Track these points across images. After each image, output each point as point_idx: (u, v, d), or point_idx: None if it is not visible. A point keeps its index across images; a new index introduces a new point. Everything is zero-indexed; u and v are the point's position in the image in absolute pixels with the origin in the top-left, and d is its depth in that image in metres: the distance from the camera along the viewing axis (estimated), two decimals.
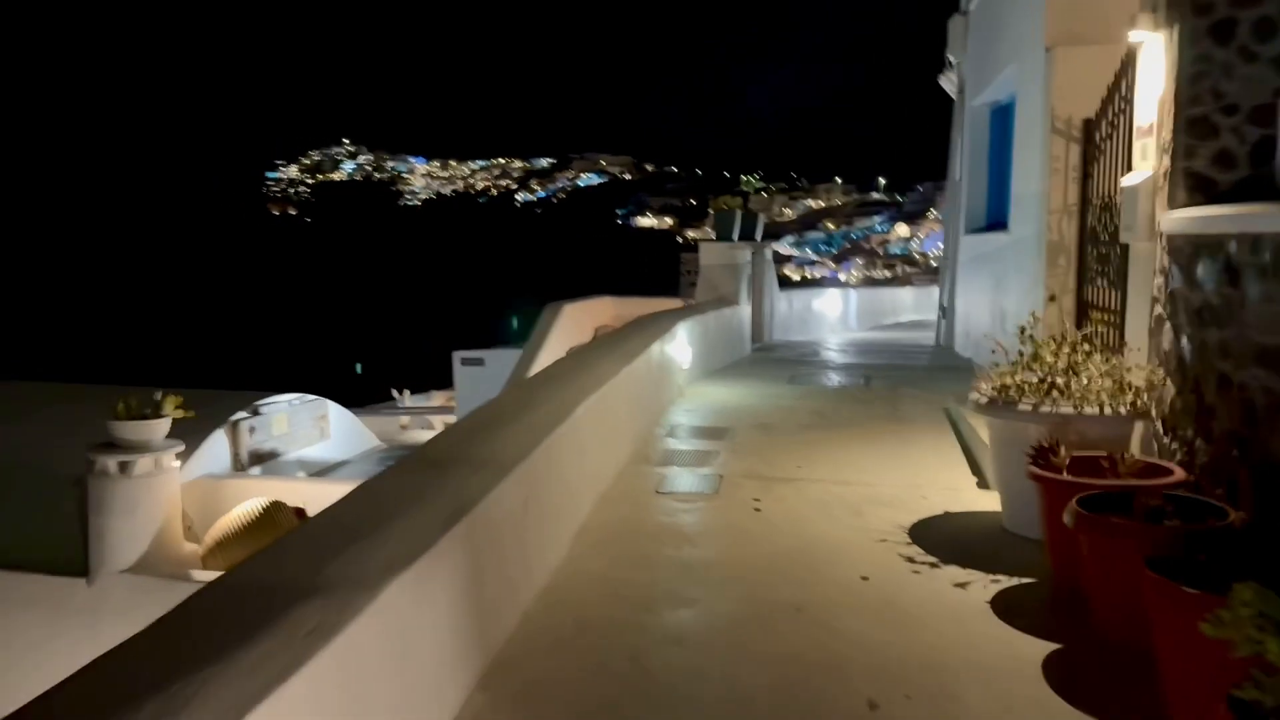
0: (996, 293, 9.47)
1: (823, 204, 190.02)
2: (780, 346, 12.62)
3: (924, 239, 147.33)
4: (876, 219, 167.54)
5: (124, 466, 7.34)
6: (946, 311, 12.57)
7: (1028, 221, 8.21)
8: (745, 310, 11.29)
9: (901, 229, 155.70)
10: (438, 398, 17.35)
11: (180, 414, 7.65)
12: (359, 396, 18.67)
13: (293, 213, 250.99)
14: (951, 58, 12.81)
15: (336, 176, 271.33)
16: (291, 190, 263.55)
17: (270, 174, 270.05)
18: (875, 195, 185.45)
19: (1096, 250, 7.02)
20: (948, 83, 13.87)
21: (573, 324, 12.12)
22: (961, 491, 5.46)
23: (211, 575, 7.69)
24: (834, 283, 28.61)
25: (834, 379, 9.38)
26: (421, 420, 15.72)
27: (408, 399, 17.54)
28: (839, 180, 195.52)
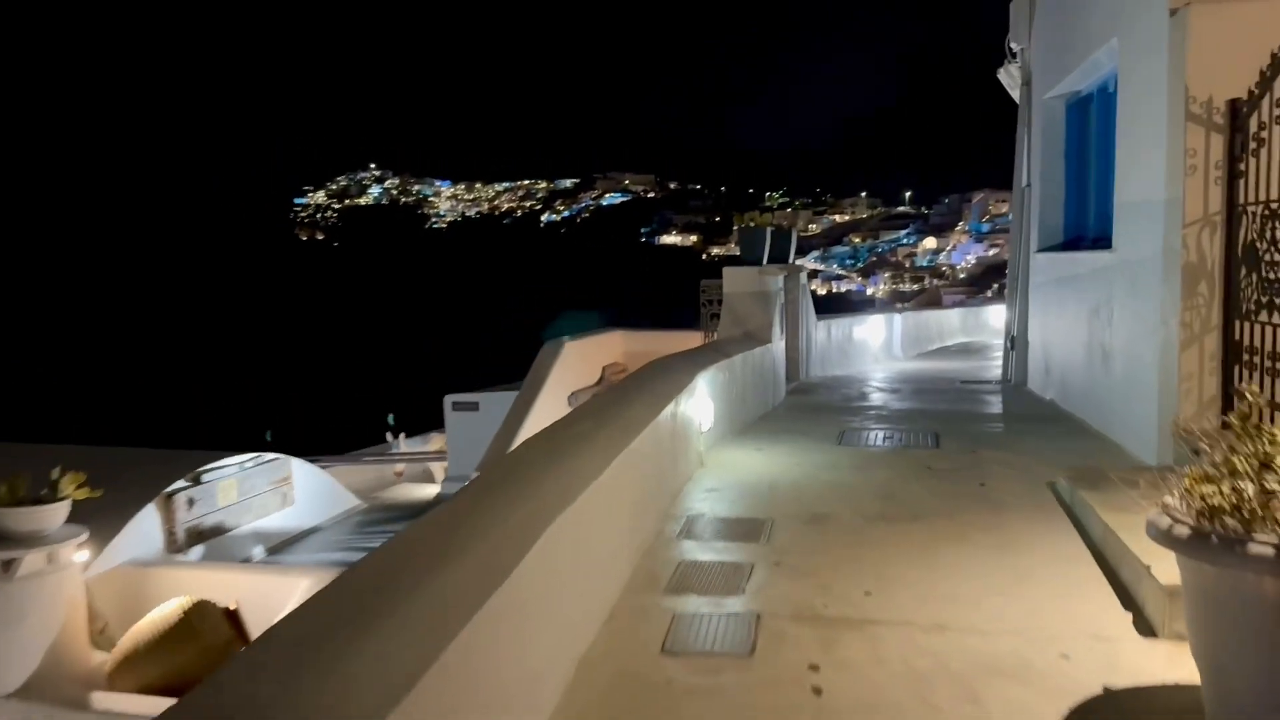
0: (1093, 325, 7.63)
1: (848, 218, 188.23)
2: (820, 386, 10.81)
3: (952, 251, 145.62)
4: (903, 232, 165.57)
5: (6, 566, 5.77)
6: (1016, 342, 10.71)
7: (1144, 237, 6.38)
8: (779, 347, 9.51)
9: (929, 241, 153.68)
10: (436, 441, 15.63)
11: (83, 494, 6.07)
12: (367, 434, 17.05)
13: (320, 237, 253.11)
14: (1014, 45, 11.00)
15: (363, 201, 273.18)
16: (319, 215, 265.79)
17: (298, 200, 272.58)
18: (901, 208, 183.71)
19: (1258, 274, 5.18)
20: (1008, 77, 12.04)
21: (577, 363, 10.41)
22: (1118, 642, 3.64)
23: (118, 698, 6.15)
24: (871, 303, 26.70)
25: (893, 435, 7.54)
26: (420, 469, 14.02)
27: (404, 443, 15.87)
28: (864, 194, 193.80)
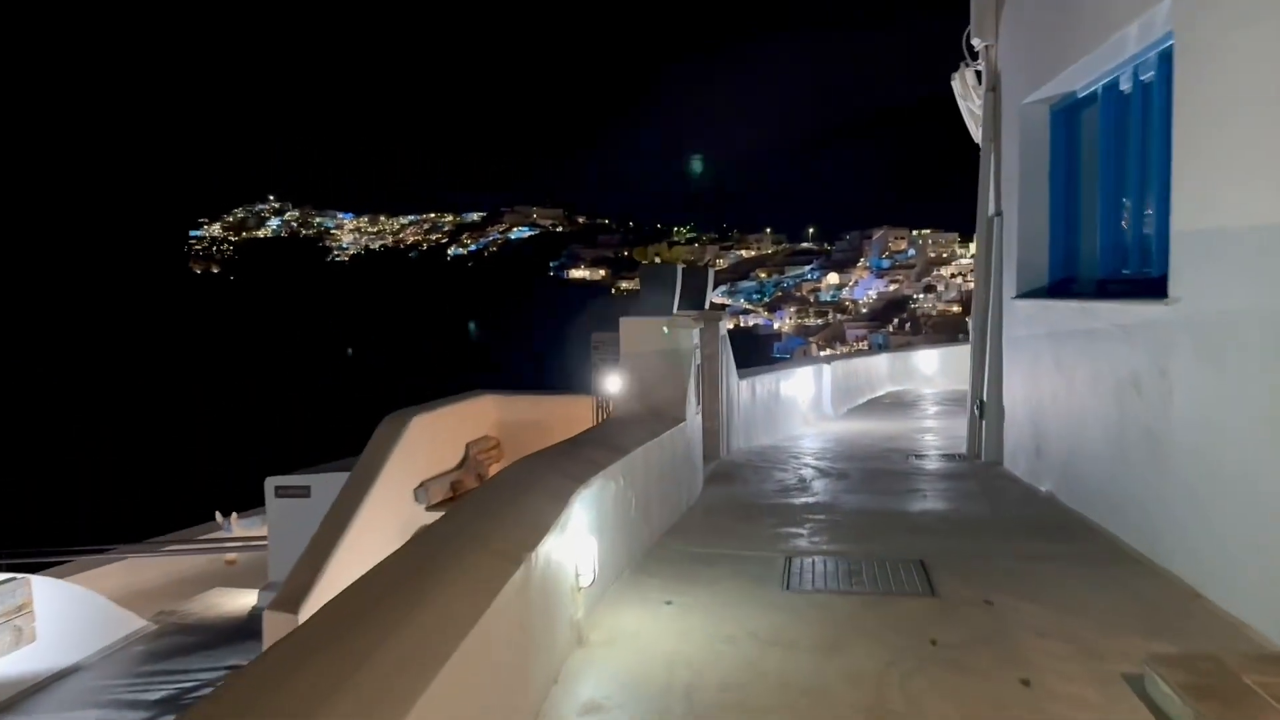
0: (1129, 402, 5.48)
1: (754, 253, 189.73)
2: (746, 468, 8.48)
3: (854, 287, 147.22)
4: (807, 267, 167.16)
5: None
6: (985, 409, 8.59)
7: (1237, 281, 4.25)
8: (694, 423, 7.18)
9: (832, 277, 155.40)
10: None
11: None
12: (207, 507, 14.09)
13: (215, 270, 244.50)
14: (977, 42, 8.99)
15: (261, 233, 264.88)
16: (214, 248, 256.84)
17: (194, 232, 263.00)
18: (805, 244, 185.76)
19: None
20: (962, 84, 10.06)
21: (431, 440, 7.92)
22: None
23: None
24: (778, 338, 24.69)
25: (860, 567, 5.22)
26: (261, 556, 11.21)
27: (236, 524, 13.02)
28: (769, 230, 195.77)
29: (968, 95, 10.16)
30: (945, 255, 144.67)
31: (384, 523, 7.14)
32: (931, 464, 8.64)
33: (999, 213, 8.58)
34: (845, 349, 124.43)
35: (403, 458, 7.38)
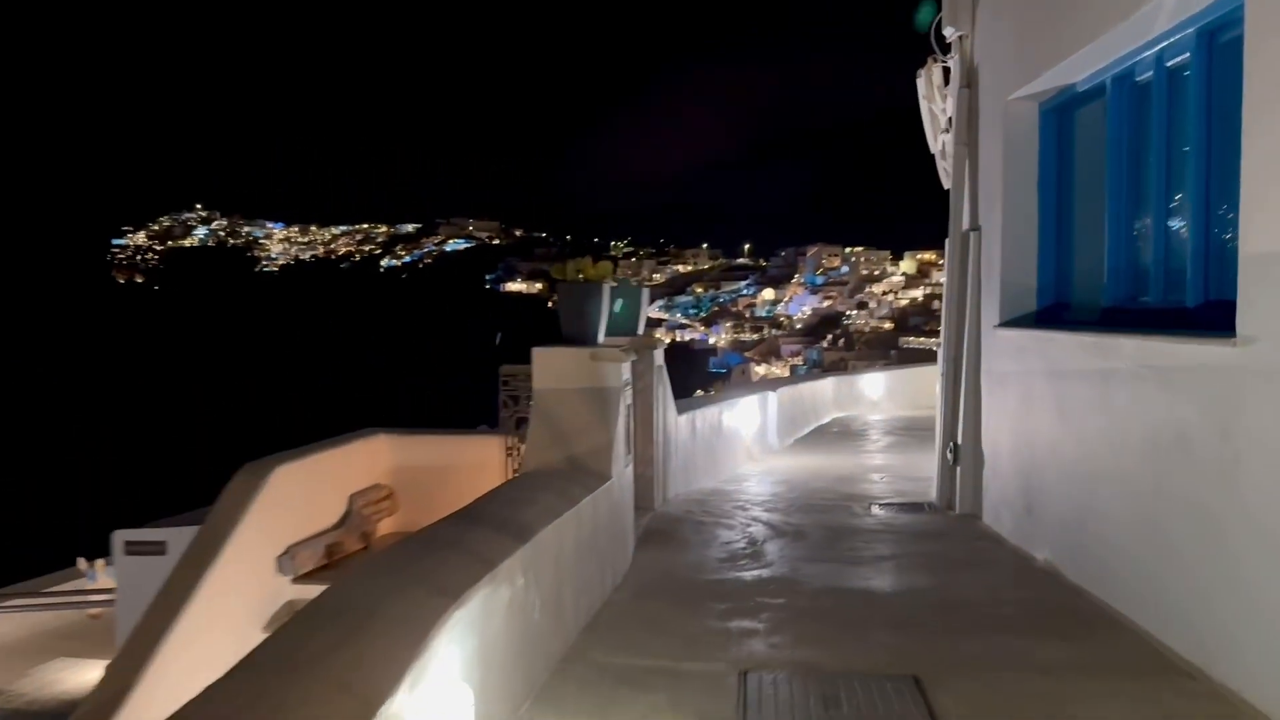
0: (1177, 467, 4.33)
1: (691, 268, 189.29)
2: (686, 525, 7.19)
3: (789, 302, 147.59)
4: (743, 283, 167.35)
5: None
6: (960, 454, 7.45)
7: None
8: (625, 478, 5.88)
9: (767, 293, 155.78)
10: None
11: None
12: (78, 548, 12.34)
13: (139, 280, 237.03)
14: (951, 33, 7.90)
15: (188, 243, 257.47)
16: (139, 257, 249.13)
17: (117, 240, 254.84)
18: (741, 260, 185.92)
19: None
20: (927, 84, 9.01)
21: (302, 493, 6.51)
22: None
23: None
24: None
25: (835, 685, 3.97)
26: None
27: (101, 572, 11.35)
28: (705, 245, 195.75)
29: (932, 96, 9.10)
30: (877, 273, 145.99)
31: (234, 605, 5.71)
32: (900, 518, 7.46)
33: (975, 227, 7.48)
34: (781, 364, 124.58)
35: (262, 518, 5.96)
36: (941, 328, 8.17)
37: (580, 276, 5.84)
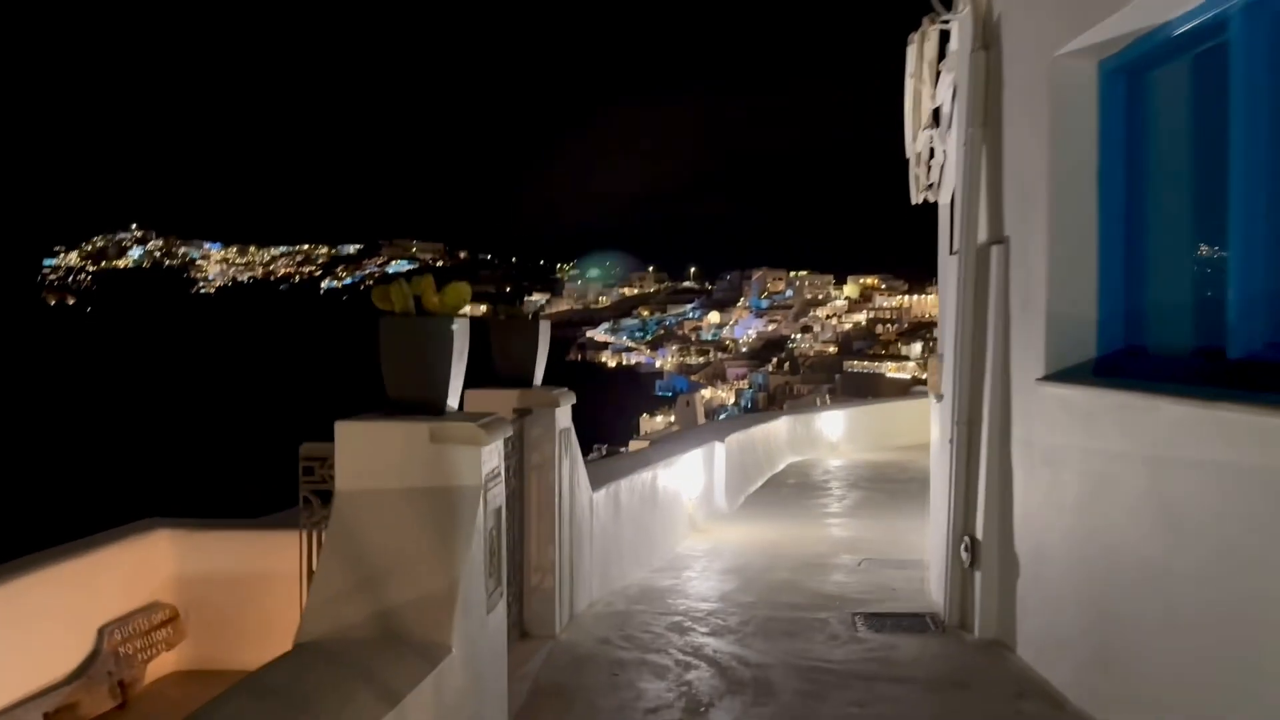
0: None
1: (637, 291, 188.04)
2: (595, 668, 4.90)
3: (734, 326, 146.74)
4: (689, 306, 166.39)
5: None
6: (978, 550, 5.35)
7: None
8: (484, 641, 3.63)
9: (713, 316, 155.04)
10: None
11: None
12: None
13: (71, 302, 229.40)
14: None
15: (122, 263, 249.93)
16: (70, 278, 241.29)
17: (48, 260, 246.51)
18: (687, 283, 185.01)
19: None
20: (918, 54, 7.05)
21: (16, 631, 4.23)
22: None
23: None
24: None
25: None
26: None
27: None
28: (652, 268, 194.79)
29: (921, 74, 7.12)
30: (821, 297, 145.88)
31: None
32: (899, 644, 5.31)
33: (999, 239, 5.42)
34: (727, 387, 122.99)
35: None
36: (945, 374, 6.09)
37: (417, 301, 3.62)
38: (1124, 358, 4.67)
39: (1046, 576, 4.78)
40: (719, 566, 7.40)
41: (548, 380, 5.62)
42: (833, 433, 16.03)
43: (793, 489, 11.90)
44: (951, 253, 6.20)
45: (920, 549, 8.08)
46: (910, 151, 10.04)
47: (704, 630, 5.48)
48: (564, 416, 5.49)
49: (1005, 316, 5.31)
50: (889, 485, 12.13)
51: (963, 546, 5.52)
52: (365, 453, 3.53)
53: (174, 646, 5.25)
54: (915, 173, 11.52)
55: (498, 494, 3.86)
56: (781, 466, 13.74)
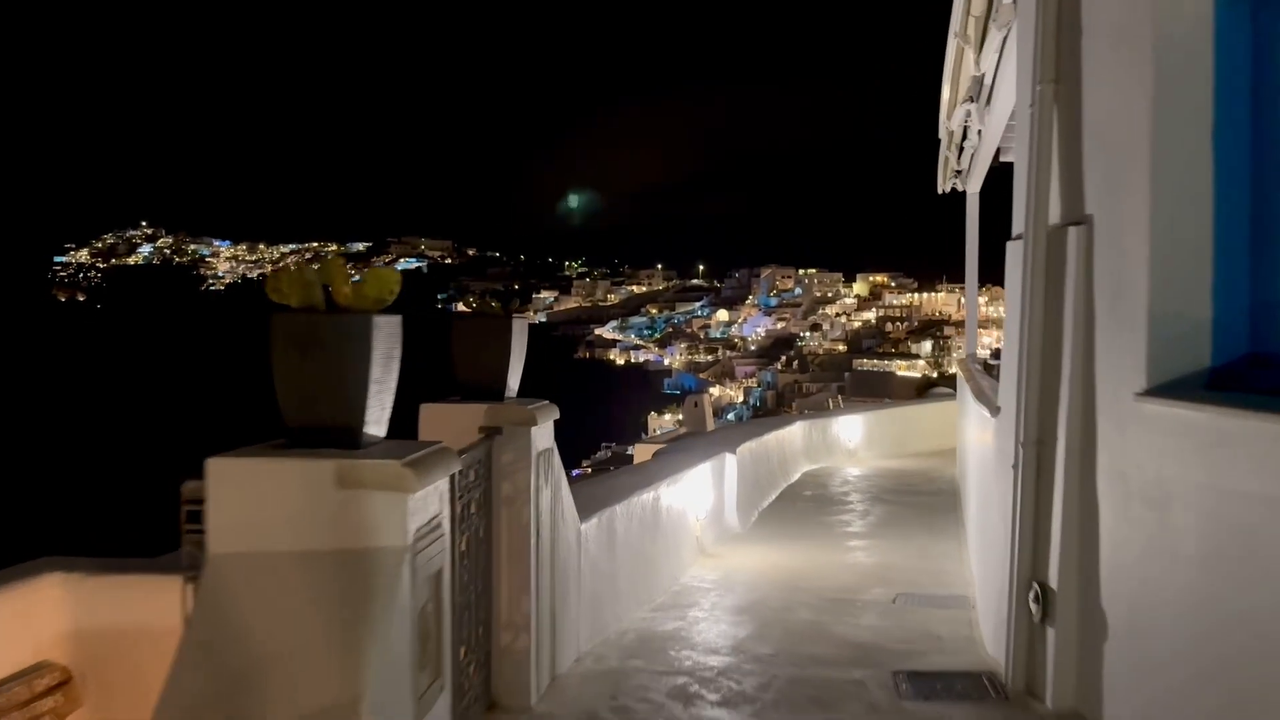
0: None
1: (645, 289, 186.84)
2: None
3: (743, 324, 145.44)
4: (697, 304, 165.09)
5: None
6: (1050, 599, 4.34)
7: None
8: None
9: (722, 314, 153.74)
10: None
11: None
12: None
13: (81, 299, 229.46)
14: None
15: (132, 260, 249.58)
16: (81, 275, 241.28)
17: (59, 258, 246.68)
18: (695, 281, 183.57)
19: None
20: (963, 12, 6.04)
21: None
22: None
23: None
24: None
25: None
26: None
27: None
28: (660, 266, 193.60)
29: (966, 30, 6.14)
30: (830, 294, 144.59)
31: None
32: (951, 718, 4.32)
33: (1077, 219, 4.41)
34: (736, 385, 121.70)
35: None
36: (1005, 384, 5.08)
37: (314, 298, 2.64)
38: (1247, 367, 3.67)
39: (1150, 642, 3.77)
40: (730, 603, 6.41)
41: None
42: (850, 438, 15.02)
43: (810, 502, 10.90)
44: (1013, 238, 5.19)
45: (961, 579, 7.09)
46: (943, 129, 8.98)
47: (714, 698, 4.49)
48: (543, 436, 4.50)
49: (1087, 314, 4.30)
50: (915, 498, 11.13)
51: (1031, 595, 4.51)
52: (248, 502, 2.55)
53: (64, 716, 4.28)
54: (945, 155, 10.49)
55: (435, 554, 2.87)
56: (797, 476, 12.74)
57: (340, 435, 2.66)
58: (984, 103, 8.14)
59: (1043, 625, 4.47)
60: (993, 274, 14.56)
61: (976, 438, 6.68)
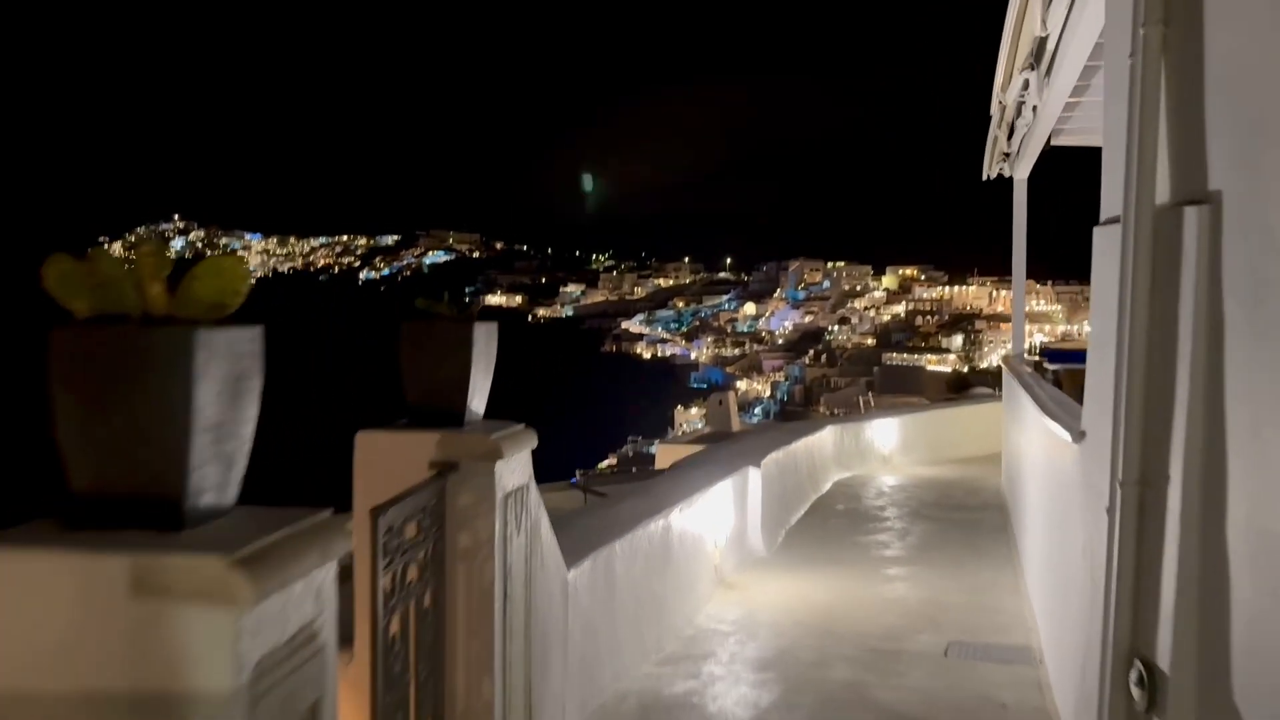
0: None
1: (672, 282, 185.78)
2: None
3: (770, 317, 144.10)
4: (724, 297, 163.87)
5: None
6: (1158, 689, 3.38)
7: None
8: None
9: (749, 307, 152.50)
10: None
11: None
12: None
13: None
14: None
15: (165, 253, 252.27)
16: None
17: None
18: (722, 274, 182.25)
19: None
20: None
21: None
22: None
23: None
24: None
25: None
26: None
27: None
28: (687, 259, 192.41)
29: None
30: (859, 288, 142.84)
31: None
32: None
33: (1197, 197, 3.43)
34: (763, 379, 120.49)
35: None
36: (1094, 402, 4.11)
37: (118, 300, 1.74)
38: None
39: None
40: (753, 653, 5.47)
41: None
42: (885, 443, 14.03)
43: (843, 518, 9.93)
44: (1101, 222, 4.22)
45: (1020, 621, 6.12)
46: (995, 103, 7.93)
47: None
48: (514, 471, 3.59)
49: (1212, 319, 3.32)
50: (959, 513, 10.14)
51: (1133, 676, 3.54)
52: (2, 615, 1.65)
53: None
54: (995, 135, 9.45)
55: (304, 681, 1.95)
56: (828, 487, 11.77)
57: (151, 510, 1.76)
58: (1044, 72, 7.17)
59: (1148, 716, 3.50)
60: (1032, 267, 13.53)
61: (1044, 459, 5.70)
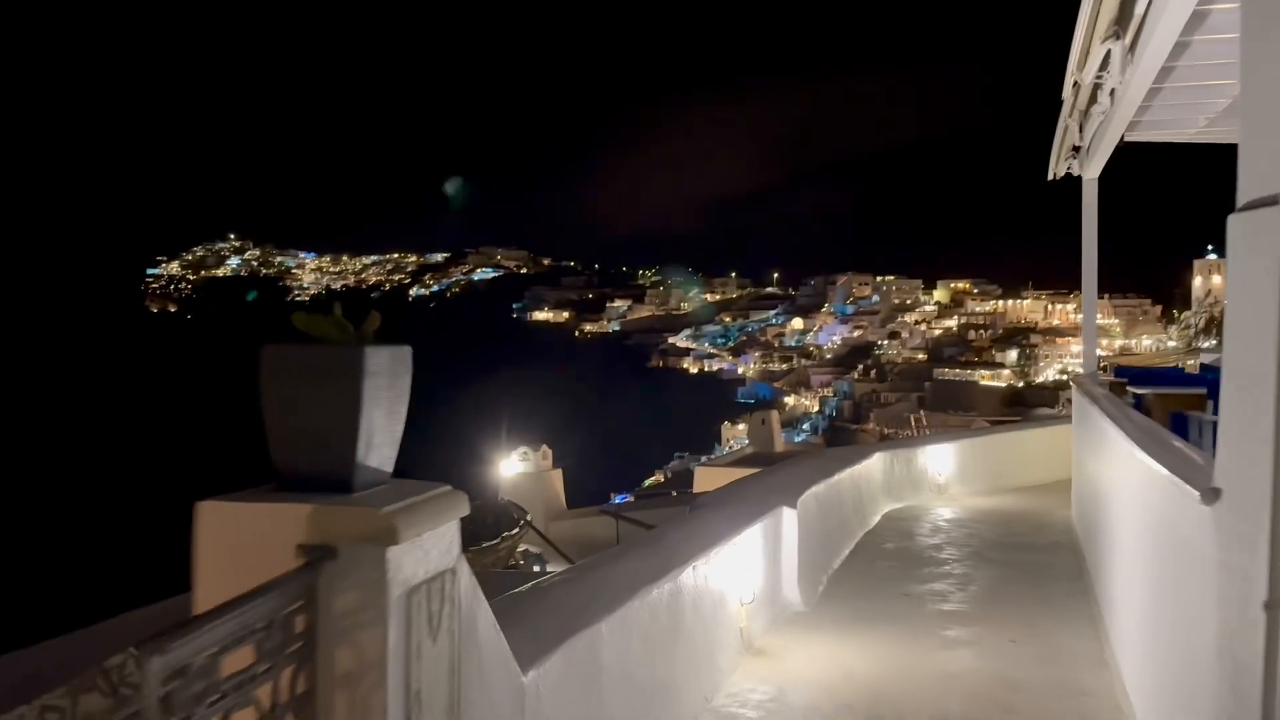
0: None
1: (719, 297, 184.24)
2: None
3: (818, 332, 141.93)
4: (772, 312, 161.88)
5: None
6: None
7: None
8: None
9: (797, 322, 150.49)
10: None
11: None
12: None
13: (172, 309, 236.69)
14: None
15: (221, 272, 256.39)
16: (172, 286, 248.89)
17: (151, 270, 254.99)
18: (770, 289, 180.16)
19: None
20: None
21: None
22: None
23: None
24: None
25: None
26: None
27: None
28: (734, 274, 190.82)
29: None
30: (909, 302, 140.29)
31: None
32: None
33: None
34: (811, 395, 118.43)
35: None
36: (1228, 448, 3.01)
37: None
38: None
39: None
40: None
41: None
42: (939, 471, 12.81)
43: (893, 560, 8.78)
44: (1240, 208, 3.11)
45: (1110, 701, 4.97)
46: (1068, 85, 6.79)
47: None
48: (428, 554, 2.55)
49: None
50: (1026, 555, 8.94)
51: None
52: None
53: None
54: (1065, 124, 8.33)
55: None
56: (876, 520, 10.62)
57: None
58: (1129, 44, 6.07)
59: None
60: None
61: (1147, 512, 4.57)
